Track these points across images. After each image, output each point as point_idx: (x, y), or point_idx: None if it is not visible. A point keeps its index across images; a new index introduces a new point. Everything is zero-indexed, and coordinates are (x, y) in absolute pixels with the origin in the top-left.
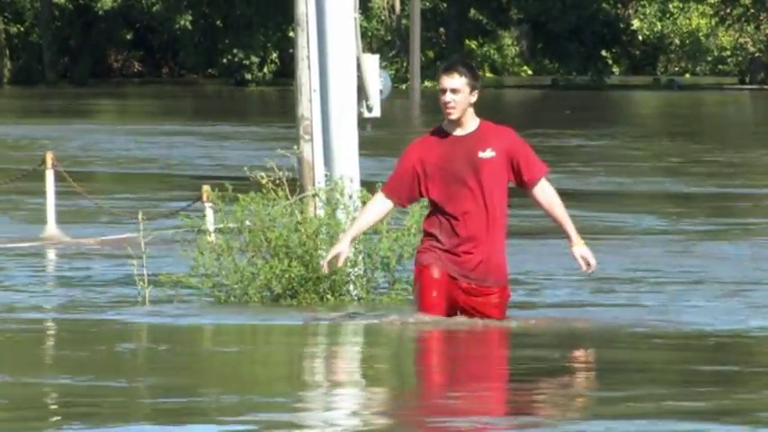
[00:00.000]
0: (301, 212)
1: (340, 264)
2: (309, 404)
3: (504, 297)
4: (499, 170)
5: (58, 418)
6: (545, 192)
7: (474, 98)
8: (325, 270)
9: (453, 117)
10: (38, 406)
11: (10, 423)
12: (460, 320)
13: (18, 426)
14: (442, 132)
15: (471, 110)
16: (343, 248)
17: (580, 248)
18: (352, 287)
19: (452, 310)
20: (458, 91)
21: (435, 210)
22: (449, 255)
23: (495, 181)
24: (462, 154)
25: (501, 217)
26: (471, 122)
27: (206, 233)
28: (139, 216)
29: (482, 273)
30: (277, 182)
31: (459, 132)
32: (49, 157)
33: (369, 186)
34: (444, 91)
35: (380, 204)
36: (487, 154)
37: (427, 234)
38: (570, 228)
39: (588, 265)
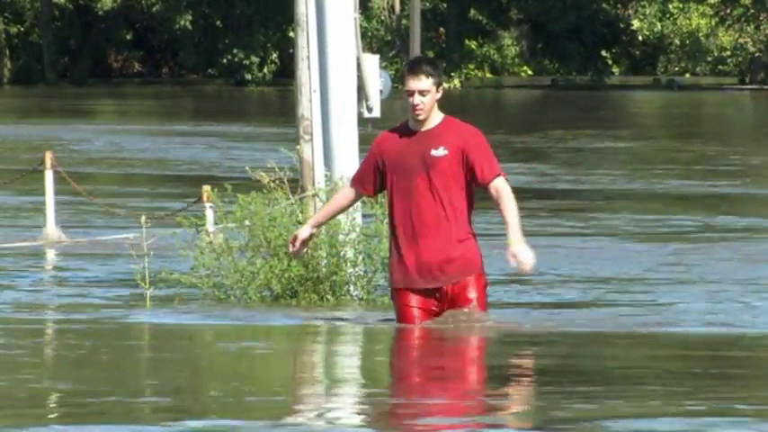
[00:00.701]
0: (301, 212)
1: (297, 245)
2: (305, 406)
3: (479, 283)
4: (451, 168)
5: (55, 416)
6: (497, 191)
7: (439, 95)
8: (290, 252)
9: (421, 118)
10: (39, 405)
11: (10, 420)
12: (448, 320)
13: (20, 422)
14: (405, 127)
15: (435, 106)
16: (302, 232)
17: (514, 247)
18: (352, 288)
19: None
20: (426, 92)
21: (390, 205)
22: (402, 260)
23: (448, 178)
24: (416, 151)
25: (457, 213)
26: (434, 119)
27: (206, 233)
28: (142, 219)
29: (443, 269)
30: (277, 181)
31: (419, 128)
32: (48, 157)
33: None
34: (412, 93)
35: (345, 192)
36: (440, 152)
37: (391, 231)
38: (513, 227)
39: (521, 263)
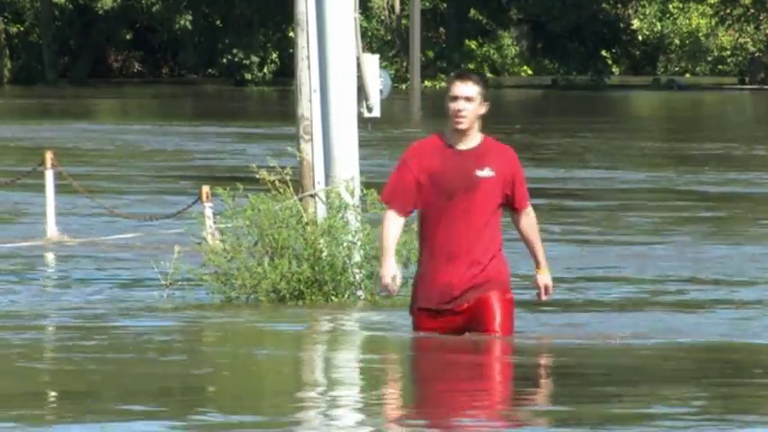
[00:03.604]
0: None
1: (394, 285)
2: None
3: (504, 300)
4: (495, 189)
5: (56, 414)
6: (529, 217)
7: (483, 110)
8: (387, 293)
9: (462, 127)
10: (39, 406)
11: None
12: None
13: (23, 422)
14: (441, 142)
15: (478, 123)
16: (391, 270)
17: (545, 276)
18: (358, 290)
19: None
20: (471, 99)
21: (423, 222)
22: (431, 280)
23: (488, 200)
24: (459, 170)
25: (492, 230)
26: (475, 137)
27: (213, 234)
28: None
29: (471, 288)
30: (279, 182)
31: (460, 146)
32: (49, 156)
33: (367, 186)
34: (456, 98)
35: (393, 218)
36: (485, 173)
37: (422, 249)
38: (542, 254)
39: (548, 294)
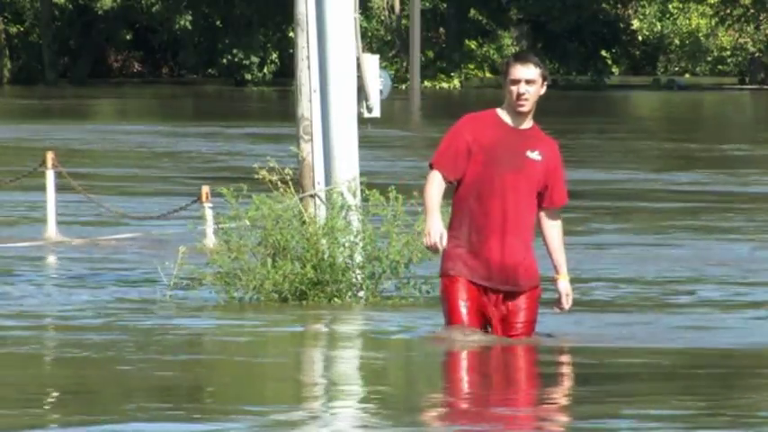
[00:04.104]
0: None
1: (440, 241)
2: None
3: (532, 300)
4: (538, 174)
5: (57, 414)
6: (556, 219)
7: (543, 90)
8: (432, 248)
9: (525, 110)
10: (39, 405)
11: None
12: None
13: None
14: (495, 118)
15: (534, 106)
16: (438, 226)
17: (566, 283)
18: (359, 291)
19: (483, 321)
20: (533, 82)
21: (466, 194)
22: (471, 254)
23: (532, 183)
24: (512, 147)
25: (525, 220)
26: (530, 119)
27: (216, 234)
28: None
29: (517, 272)
30: (283, 181)
31: (515, 124)
32: (50, 157)
33: (369, 187)
34: (517, 82)
35: (437, 178)
36: (535, 156)
37: (452, 228)
38: (563, 260)
39: (566, 302)
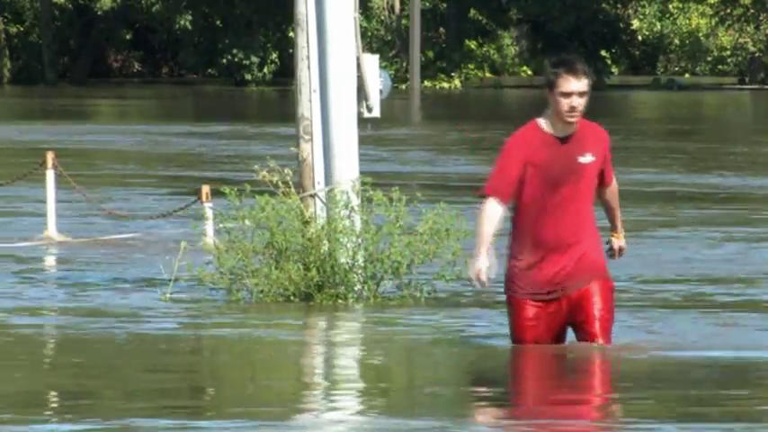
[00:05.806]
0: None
1: (492, 275)
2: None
3: (605, 290)
4: (594, 173)
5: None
6: (613, 187)
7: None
8: (479, 286)
9: (574, 120)
10: (38, 405)
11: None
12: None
13: (22, 420)
14: (541, 132)
15: None
16: (483, 263)
17: (621, 240)
18: (361, 290)
19: (557, 331)
20: (585, 94)
21: (523, 214)
22: (534, 270)
23: (590, 186)
24: (563, 159)
25: (591, 219)
26: (575, 123)
27: (218, 234)
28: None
29: (571, 276)
30: (284, 181)
31: (560, 134)
32: (50, 157)
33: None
34: (570, 95)
35: (494, 206)
36: (587, 159)
37: (513, 247)
38: (619, 219)
39: (617, 254)
